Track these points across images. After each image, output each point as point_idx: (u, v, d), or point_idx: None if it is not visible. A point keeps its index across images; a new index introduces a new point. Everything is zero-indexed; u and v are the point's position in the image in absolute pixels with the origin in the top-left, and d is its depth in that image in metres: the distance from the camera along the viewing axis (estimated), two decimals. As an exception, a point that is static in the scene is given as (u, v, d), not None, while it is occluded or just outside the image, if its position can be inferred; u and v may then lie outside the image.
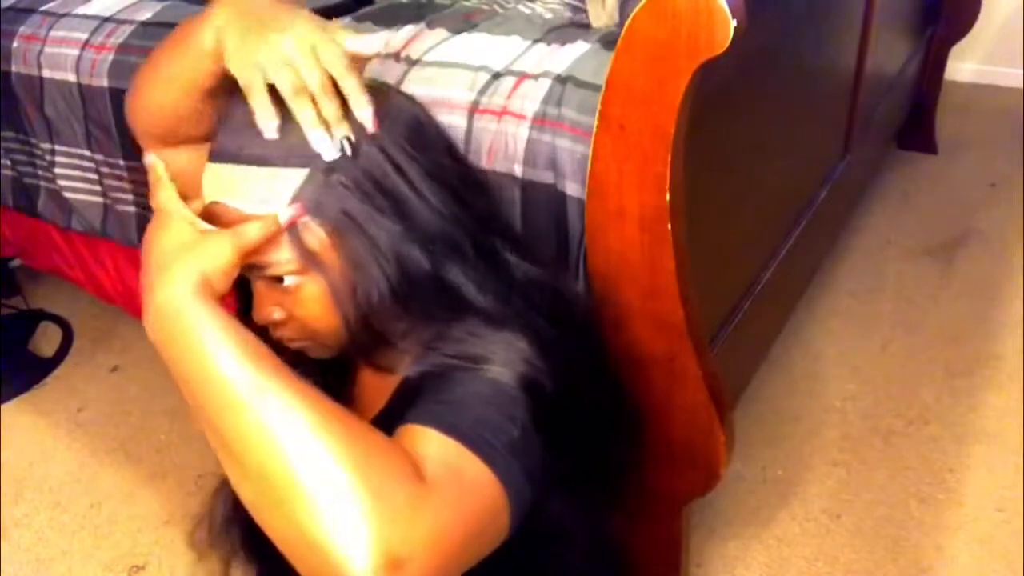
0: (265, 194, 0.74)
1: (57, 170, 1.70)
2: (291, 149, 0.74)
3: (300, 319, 0.80)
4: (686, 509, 1.24)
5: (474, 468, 0.67)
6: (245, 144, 0.75)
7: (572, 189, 1.12)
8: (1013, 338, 1.94)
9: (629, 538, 1.12)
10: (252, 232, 0.71)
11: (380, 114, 0.76)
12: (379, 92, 0.79)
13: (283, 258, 0.76)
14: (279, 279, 0.78)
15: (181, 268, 0.67)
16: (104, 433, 1.86)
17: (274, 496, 0.60)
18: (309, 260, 0.75)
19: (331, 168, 0.74)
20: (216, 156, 0.77)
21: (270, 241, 0.73)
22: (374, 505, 0.58)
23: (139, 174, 1.60)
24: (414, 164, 0.78)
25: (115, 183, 1.64)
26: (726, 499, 1.58)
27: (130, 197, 1.63)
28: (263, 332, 0.80)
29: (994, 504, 1.57)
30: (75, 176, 1.69)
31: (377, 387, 0.88)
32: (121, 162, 1.60)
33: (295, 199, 0.74)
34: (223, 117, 0.79)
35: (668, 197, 0.94)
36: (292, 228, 0.74)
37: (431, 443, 0.67)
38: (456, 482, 0.65)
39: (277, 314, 0.80)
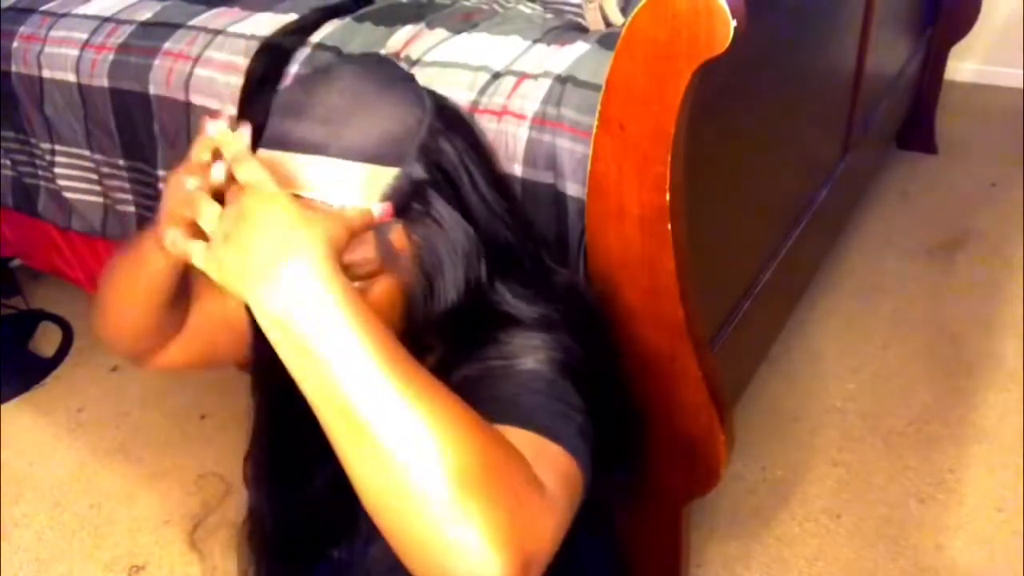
0: (356, 189, 0.71)
1: (57, 170, 1.70)
2: (382, 144, 0.72)
3: None
4: (686, 509, 1.24)
5: (562, 458, 0.68)
6: (333, 135, 0.72)
7: (572, 189, 1.12)
8: (1013, 338, 1.94)
9: (629, 538, 1.11)
10: (357, 218, 0.67)
11: (447, 120, 0.77)
12: (441, 100, 0.79)
13: (362, 257, 0.73)
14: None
15: (311, 240, 0.61)
16: (104, 433, 1.86)
17: (402, 490, 0.57)
18: (391, 260, 0.74)
19: (417, 171, 0.74)
20: (294, 146, 0.72)
21: (357, 238, 0.69)
22: (511, 513, 0.57)
23: (139, 174, 1.60)
24: (479, 171, 0.78)
25: (115, 183, 1.64)
26: (726, 499, 1.58)
27: (130, 197, 1.63)
28: None
29: (994, 504, 1.57)
30: (75, 176, 1.69)
31: None
32: (121, 162, 1.60)
33: (385, 197, 0.72)
34: (290, 105, 0.74)
35: (668, 197, 0.94)
36: (380, 226, 0.72)
37: (519, 440, 0.65)
38: (559, 479, 0.65)
39: None
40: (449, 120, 0.77)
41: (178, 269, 0.85)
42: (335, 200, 0.71)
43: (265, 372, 0.89)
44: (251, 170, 0.65)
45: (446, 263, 0.76)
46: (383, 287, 0.76)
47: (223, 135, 0.69)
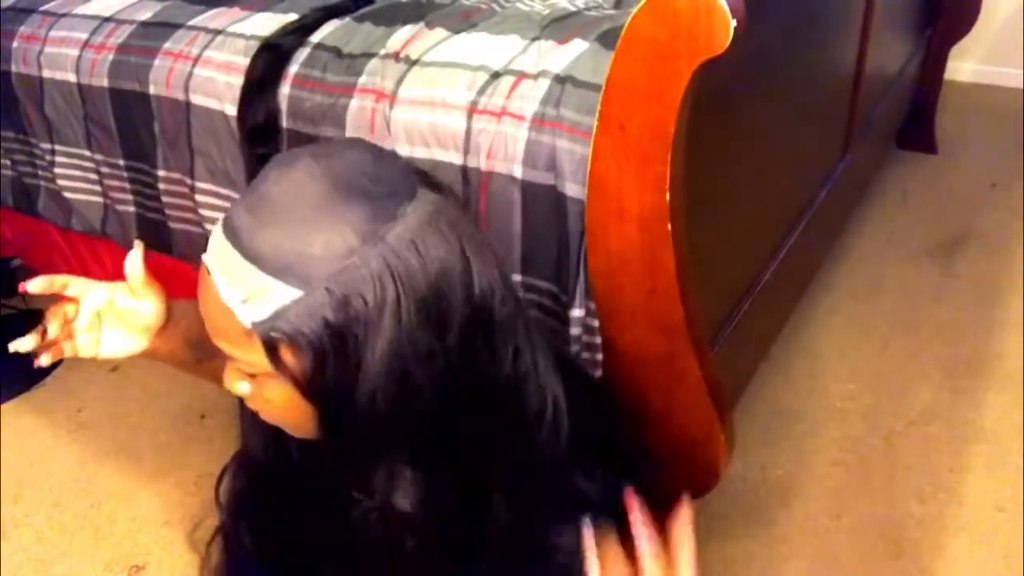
0: (247, 294, 0.68)
1: (57, 170, 1.70)
2: (291, 262, 0.66)
3: (264, 406, 0.77)
4: (686, 509, 1.24)
5: None
6: (248, 229, 0.68)
7: (572, 190, 1.12)
8: (1013, 338, 1.94)
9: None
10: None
11: (398, 274, 0.67)
12: (423, 236, 0.69)
13: (253, 359, 0.71)
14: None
15: None
16: (104, 433, 1.85)
17: None
18: (281, 372, 0.70)
19: (320, 302, 0.67)
20: (226, 220, 0.70)
21: (241, 341, 0.70)
22: None
23: (139, 174, 1.60)
24: (423, 340, 0.69)
25: (115, 183, 1.64)
26: (726, 499, 1.58)
27: (130, 197, 1.63)
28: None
29: (994, 504, 1.56)
30: (75, 176, 1.69)
31: None
32: (121, 162, 1.60)
33: (277, 315, 0.67)
34: (254, 180, 0.71)
35: (668, 197, 0.94)
36: (267, 339, 0.68)
37: None
38: None
39: (245, 389, 0.76)
40: (409, 261, 0.67)
41: (160, 340, 0.92)
42: (228, 295, 0.69)
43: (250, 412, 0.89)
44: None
45: (337, 393, 0.70)
46: (280, 389, 0.72)
47: None
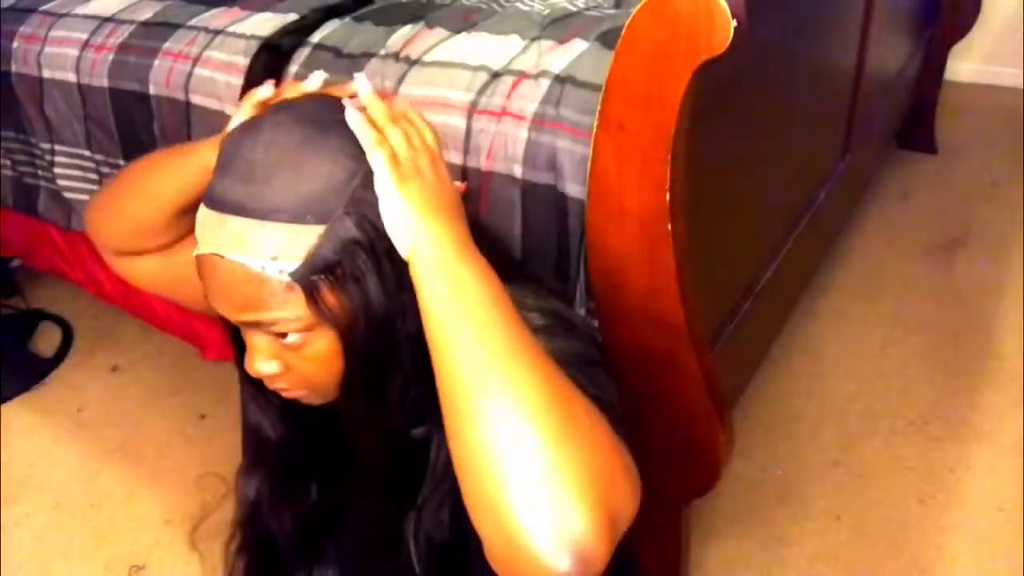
0: (275, 250, 0.69)
1: (57, 170, 1.70)
2: (305, 202, 0.69)
3: (299, 372, 0.76)
4: (686, 509, 1.24)
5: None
6: (251, 195, 0.70)
7: (572, 189, 1.12)
8: (1013, 338, 1.94)
9: (629, 538, 1.11)
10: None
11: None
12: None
13: (293, 315, 0.72)
14: (282, 334, 0.74)
15: (458, 216, 0.70)
16: (104, 433, 1.86)
17: (508, 447, 0.60)
18: (324, 317, 0.71)
19: (346, 228, 0.70)
20: (216, 205, 0.71)
21: (278, 303, 0.70)
22: (602, 473, 0.61)
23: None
24: None
25: (115, 183, 1.64)
26: (726, 499, 1.58)
27: (130, 197, 1.63)
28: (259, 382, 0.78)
29: (994, 504, 1.57)
30: (75, 176, 1.69)
31: None
32: (121, 162, 1.60)
33: (312, 256, 0.70)
34: (222, 161, 0.73)
35: (668, 197, 0.94)
36: (308, 284, 0.70)
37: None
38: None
39: (275, 367, 0.76)
40: None
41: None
42: (254, 261, 0.70)
43: (257, 398, 0.88)
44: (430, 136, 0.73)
45: (380, 315, 0.72)
46: (319, 341, 0.74)
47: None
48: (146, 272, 0.95)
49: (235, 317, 0.74)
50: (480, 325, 0.63)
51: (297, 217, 0.69)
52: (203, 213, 0.73)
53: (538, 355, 0.63)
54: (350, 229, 0.70)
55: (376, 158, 0.69)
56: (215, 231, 0.71)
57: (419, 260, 0.67)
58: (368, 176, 0.70)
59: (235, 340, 0.83)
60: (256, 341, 0.75)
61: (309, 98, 0.78)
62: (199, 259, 0.73)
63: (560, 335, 0.77)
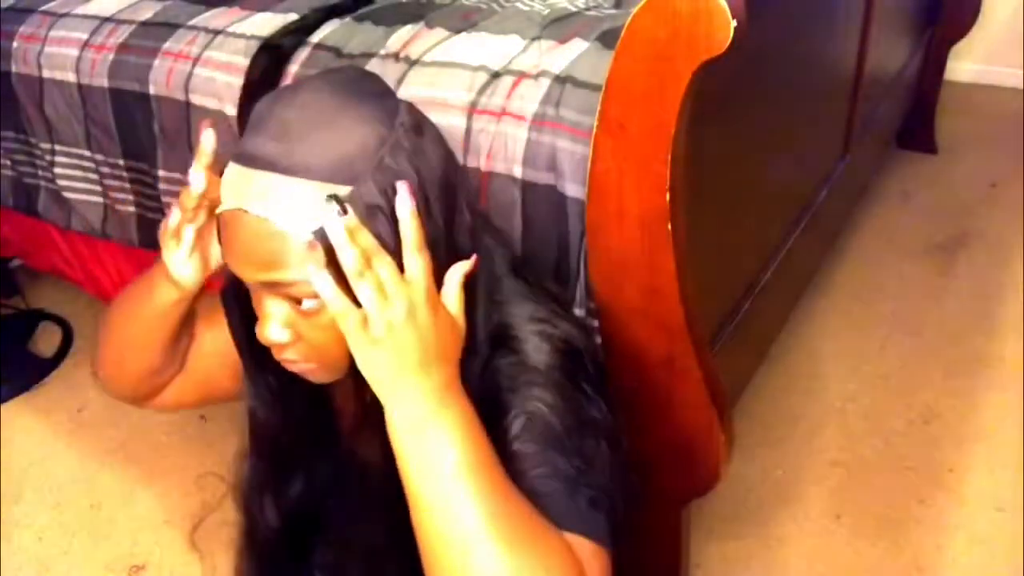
0: (301, 207, 0.69)
1: (57, 170, 1.70)
2: (336, 163, 0.70)
3: (311, 342, 0.76)
4: (686, 509, 1.24)
5: (598, 554, 0.74)
6: (284, 152, 0.70)
7: (572, 190, 1.12)
8: (1013, 338, 1.94)
9: (629, 538, 1.12)
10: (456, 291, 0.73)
11: (414, 141, 0.74)
12: (418, 118, 0.77)
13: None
14: (298, 299, 0.73)
15: (441, 356, 0.70)
16: (104, 433, 1.86)
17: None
18: (340, 280, 0.69)
19: (371, 193, 0.70)
20: (246, 160, 0.72)
21: (300, 258, 0.70)
22: None
23: (139, 174, 1.60)
24: (441, 203, 0.75)
25: (115, 183, 1.63)
26: (726, 499, 1.58)
27: (130, 197, 1.63)
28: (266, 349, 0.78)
29: (994, 504, 1.57)
30: (75, 176, 1.69)
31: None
32: (121, 162, 1.60)
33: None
34: (253, 121, 0.74)
35: (668, 197, 0.94)
36: (328, 244, 0.69)
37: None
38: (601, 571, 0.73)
39: (287, 336, 0.75)
40: (418, 142, 0.74)
41: (186, 302, 0.87)
42: (281, 216, 0.70)
43: (254, 378, 0.88)
44: (418, 265, 0.69)
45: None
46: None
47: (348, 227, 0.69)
48: (175, 397, 0.98)
49: (253, 277, 0.73)
50: (448, 492, 0.68)
51: (325, 177, 0.70)
52: (231, 170, 0.73)
53: (509, 517, 0.68)
54: (374, 195, 0.70)
55: (346, 323, 0.68)
56: (242, 185, 0.71)
57: (392, 419, 0.70)
58: (396, 145, 0.72)
59: (241, 320, 0.85)
60: (270, 307, 0.75)
61: (342, 68, 0.82)
62: (221, 217, 0.73)
63: (555, 385, 0.78)
